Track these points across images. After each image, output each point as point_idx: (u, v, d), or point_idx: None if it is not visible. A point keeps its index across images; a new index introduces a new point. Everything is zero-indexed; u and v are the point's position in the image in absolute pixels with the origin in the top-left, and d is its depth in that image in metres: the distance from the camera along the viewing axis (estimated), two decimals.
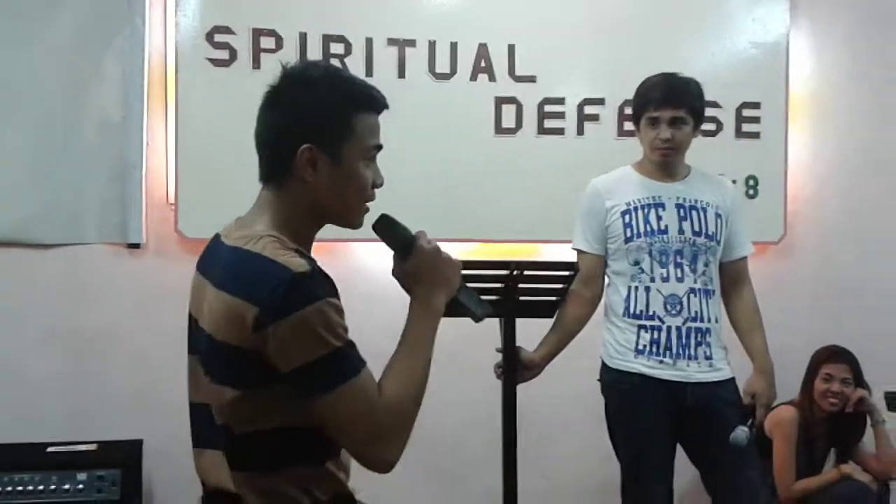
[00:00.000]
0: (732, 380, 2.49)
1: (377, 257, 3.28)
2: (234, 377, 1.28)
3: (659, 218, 2.45)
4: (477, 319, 1.49)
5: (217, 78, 3.16)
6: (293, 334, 1.23)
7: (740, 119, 3.49)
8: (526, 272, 2.28)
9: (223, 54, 3.17)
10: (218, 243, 1.39)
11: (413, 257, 1.42)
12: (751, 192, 3.50)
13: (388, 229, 1.44)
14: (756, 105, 3.50)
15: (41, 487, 2.66)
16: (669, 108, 2.43)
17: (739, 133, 3.49)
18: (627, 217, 2.47)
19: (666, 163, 2.48)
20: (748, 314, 2.55)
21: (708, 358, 2.44)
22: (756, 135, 3.51)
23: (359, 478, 3.61)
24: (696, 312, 2.44)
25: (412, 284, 1.41)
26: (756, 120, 3.51)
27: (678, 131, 2.44)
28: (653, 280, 2.44)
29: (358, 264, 3.30)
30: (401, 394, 1.33)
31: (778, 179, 3.53)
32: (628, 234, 2.46)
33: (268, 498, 1.32)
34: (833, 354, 3.28)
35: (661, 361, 2.42)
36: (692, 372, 2.43)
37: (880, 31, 3.69)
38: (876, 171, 3.69)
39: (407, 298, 1.45)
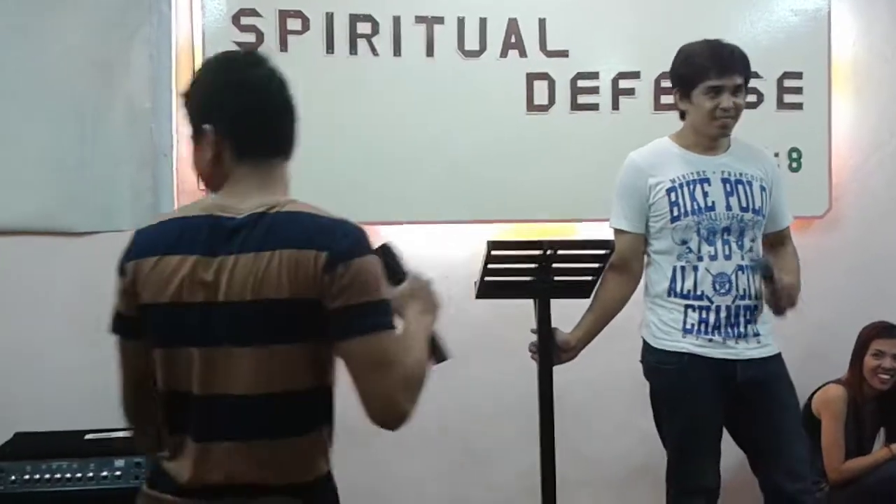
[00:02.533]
0: (780, 355, 2.42)
1: (406, 241, 3.25)
2: (286, 332, 1.34)
3: (705, 194, 2.37)
4: (438, 360, 1.55)
5: None
6: (358, 276, 1.33)
7: (782, 90, 3.38)
8: (560, 252, 2.22)
9: (250, 37, 3.15)
10: (220, 220, 1.37)
11: (408, 282, 1.53)
12: (794, 164, 3.39)
13: (387, 257, 1.52)
14: (798, 75, 3.39)
15: (79, 475, 2.66)
16: (732, 75, 2.34)
17: (781, 104, 3.39)
18: (673, 195, 2.38)
19: (724, 134, 2.40)
20: (789, 259, 2.51)
21: (756, 335, 2.38)
22: (798, 106, 3.41)
23: (391, 464, 3.62)
24: (744, 290, 2.37)
25: (405, 305, 1.49)
26: (798, 90, 3.40)
27: (738, 100, 2.37)
28: (700, 259, 2.36)
29: None
30: (420, 357, 1.42)
31: (822, 152, 3.42)
32: (675, 213, 2.37)
33: (297, 463, 1.37)
34: (884, 330, 3.19)
35: (710, 340, 2.36)
36: (742, 349, 2.36)
37: None
38: None
39: None
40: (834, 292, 3.48)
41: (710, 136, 2.41)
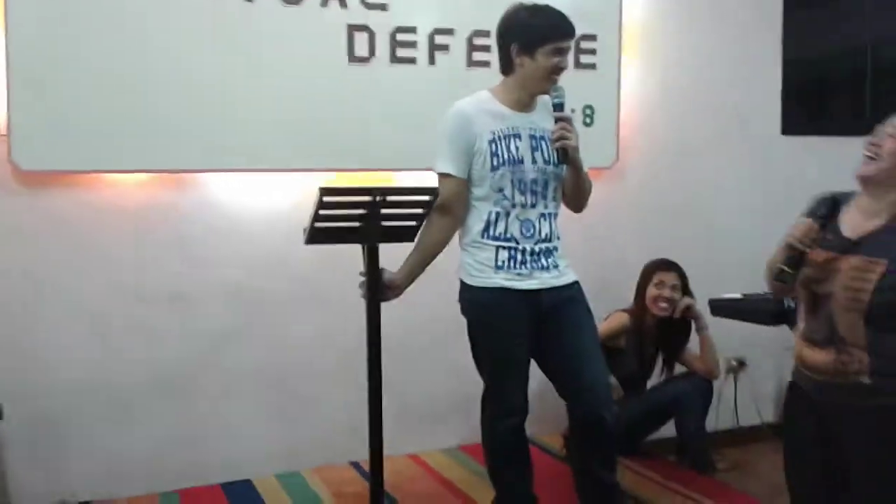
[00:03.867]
0: (578, 283, 2.72)
1: (229, 189, 3.30)
2: None
3: (517, 148, 2.60)
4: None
5: None
6: None
7: (578, 51, 3.67)
8: (387, 198, 2.36)
9: None
10: None
11: None
12: (587, 120, 3.73)
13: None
14: (592, 37, 3.71)
15: None
16: (571, 38, 2.59)
17: (578, 64, 3.69)
18: (494, 146, 2.59)
19: (560, 87, 2.61)
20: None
21: (556, 266, 2.66)
22: (592, 66, 3.73)
23: (212, 413, 3.65)
24: (546, 234, 2.65)
25: None
26: (592, 52, 3.72)
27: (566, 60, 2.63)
28: (514, 206, 2.60)
29: (209, 196, 3.30)
30: None
31: (612, 109, 3.78)
32: (495, 163, 2.58)
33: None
34: (663, 264, 3.61)
35: (518, 274, 2.61)
36: (546, 279, 2.63)
37: None
38: (698, 104, 4.02)
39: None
40: (620, 233, 3.90)
41: (540, 91, 2.62)
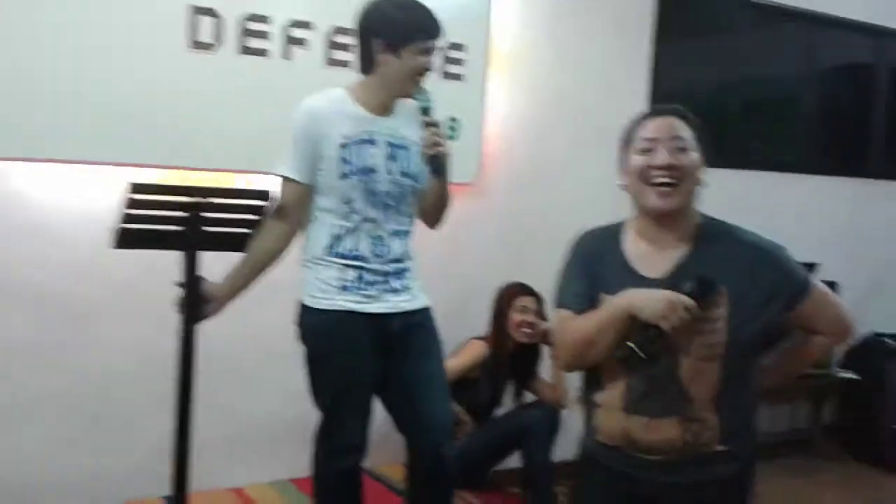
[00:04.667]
0: (429, 308, 2.49)
1: (33, 180, 2.89)
2: None
3: (371, 156, 2.34)
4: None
5: None
6: None
7: (445, 60, 3.49)
8: (212, 200, 2.07)
9: None
10: None
11: None
12: (452, 133, 3.54)
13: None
14: (460, 47, 3.54)
15: None
16: (438, 38, 2.36)
17: (444, 74, 3.50)
18: (344, 151, 2.32)
19: (428, 90, 2.38)
20: None
21: (408, 289, 2.42)
22: (459, 77, 3.56)
23: (7, 436, 3.15)
24: (398, 254, 2.40)
25: None
26: (460, 62, 3.55)
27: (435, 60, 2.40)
28: (364, 221, 2.34)
29: (8, 187, 2.88)
30: None
31: (476, 123, 3.62)
32: (344, 171, 2.32)
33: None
34: (522, 288, 3.46)
35: (366, 296, 2.35)
36: (395, 302, 2.39)
37: None
38: (563, 123, 3.93)
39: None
40: (483, 253, 3.74)
41: (404, 94, 2.37)
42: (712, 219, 1.85)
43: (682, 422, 1.73)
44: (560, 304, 1.87)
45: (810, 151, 4.81)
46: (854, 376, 4.41)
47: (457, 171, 3.26)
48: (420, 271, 2.49)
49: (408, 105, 2.42)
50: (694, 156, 1.78)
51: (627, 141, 1.85)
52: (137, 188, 1.98)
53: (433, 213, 2.52)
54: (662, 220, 1.78)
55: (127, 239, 2.08)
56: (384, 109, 2.39)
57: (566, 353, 1.82)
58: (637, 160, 1.79)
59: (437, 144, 2.33)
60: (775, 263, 1.78)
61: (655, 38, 4.13)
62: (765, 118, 4.69)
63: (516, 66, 3.77)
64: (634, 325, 1.70)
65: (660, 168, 1.74)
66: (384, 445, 3.00)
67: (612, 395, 1.78)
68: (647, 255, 1.78)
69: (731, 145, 4.48)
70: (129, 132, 2.94)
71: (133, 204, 1.99)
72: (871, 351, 4.44)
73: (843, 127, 4.99)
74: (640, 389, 1.74)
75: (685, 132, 1.78)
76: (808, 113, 4.77)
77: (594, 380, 1.83)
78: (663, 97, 4.17)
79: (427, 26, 2.33)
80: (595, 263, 1.83)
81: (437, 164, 2.36)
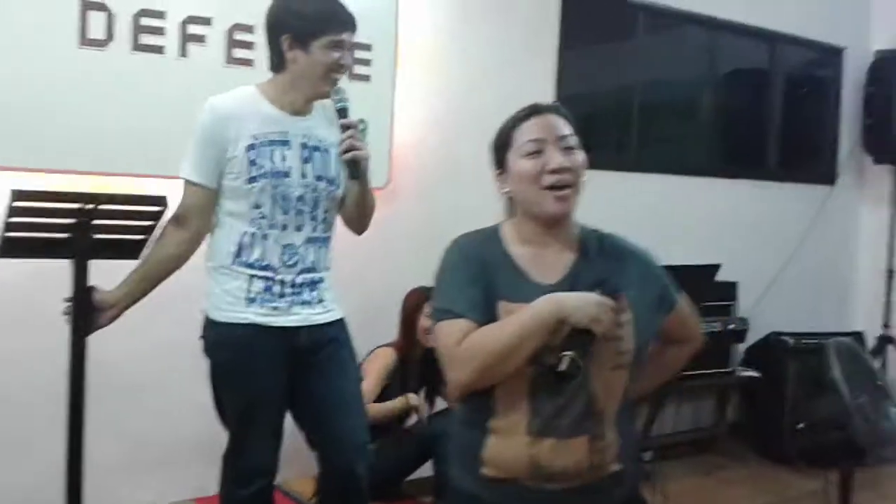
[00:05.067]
0: (343, 320, 2.39)
1: None
2: None
3: (283, 158, 2.22)
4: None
5: None
6: None
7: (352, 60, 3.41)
8: (102, 206, 1.94)
9: None
10: None
11: None
12: (361, 135, 3.46)
13: None
14: (367, 47, 3.46)
15: None
16: (353, 32, 2.24)
17: (351, 75, 3.41)
18: (253, 153, 2.19)
19: (328, 94, 2.25)
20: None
21: (321, 301, 2.31)
22: (366, 78, 3.47)
23: None
24: (311, 263, 2.29)
25: None
26: (367, 62, 3.47)
27: (351, 58, 2.27)
28: (273, 227, 2.22)
29: None
30: None
31: (385, 125, 3.54)
32: (252, 174, 2.19)
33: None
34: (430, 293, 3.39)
35: (275, 308, 2.23)
36: (306, 315, 2.28)
37: None
38: (471, 127, 3.88)
39: None
40: (395, 259, 3.66)
41: (318, 93, 2.25)
42: (584, 224, 1.76)
43: (590, 441, 1.58)
44: (452, 314, 1.60)
45: (709, 154, 4.94)
46: (755, 374, 4.53)
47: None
48: (335, 279, 2.40)
49: (326, 105, 2.31)
50: (581, 155, 1.68)
51: (505, 144, 1.69)
52: (20, 195, 1.83)
53: (356, 218, 2.41)
54: (551, 226, 1.67)
55: (11, 248, 1.94)
56: (299, 109, 2.27)
57: (470, 370, 1.55)
58: (526, 164, 1.64)
59: (353, 148, 2.22)
60: (657, 271, 1.74)
61: (561, 43, 4.15)
62: (666, 122, 4.79)
63: (425, 67, 3.72)
64: (560, 333, 1.54)
65: (555, 171, 1.62)
66: (295, 458, 2.90)
67: (513, 418, 1.58)
68: (536, 261, 1.66)
69: (633, 149, 4.55)
70: (13, 134, 2.76)
71: (16, 212, 1.84)
72: (771, 349, 4.56)
73: (740, 130, 5.14)
74: (548, 409, 1.57)
75: (567, 130, 1.67)
76: (707, 117, 4.90)
77: (484, 404, 1.60)
78: (569, 100, 4.20)
79: (337, 18, 2.22)
80: (485, 270, 1.64)
81: (355, 167, 2.25)
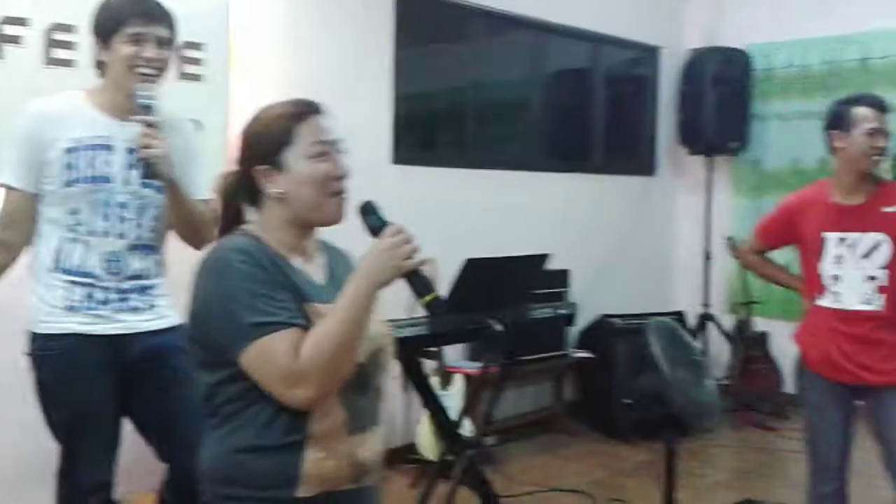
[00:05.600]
0: (181, 326, 2.32)
1: None
2: None
3: (106, 163, 2.15)
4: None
5: None
6: None
7: (183, 59, 3.33)
8: None
9: None
10: None
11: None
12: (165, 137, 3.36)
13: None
14: (198, 46, 3.39)
15: None
16: (158, 25, 2.15)
17: (181, 74, 3.34)
18: (72, 157, 2.12)
19: (150, 86, 2.16)
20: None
21: (152, 307, 2.26)
22: (198, 77, 3.41)
23: None
24: (137, 270, 2.23)
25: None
26: (198, 62, 3.40)
27: (164, 53, 2.17)
28: (91, 234, 2.16)
29: None
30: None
31: (220, 126, 3.48)
32: (69, 178, 2.12)
33: None
34: None
35: (98, 316, 2.17)
36: (135, 322, 2.22)
37: None
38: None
39: None
40: None
41: (125, 90, 2.15)
42: None
43: (378, 428, 1.58)
44: (274, 326, 1.43)
45: (540, 150, 5.17)
46: (588, 355, 4.80)
47: (201, 181, 3.16)
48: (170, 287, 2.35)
49: (164, 111, 2.23)
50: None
51: (282, 141, 1.53)
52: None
53: (185, 230, 2.27)
54: (309, 231, 1.60)
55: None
56: (124, 112, 2.19)
57: (324, 375, 1.43)
58: (316, 167, 1.53)
59: (146, 146, 2.10)
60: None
61: (396, 43, 4.22)
62: (499, 120, 4.97)
63: (260, 68, 3.68)
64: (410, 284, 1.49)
65: (340, 178, 1.56)
66: (134, 472, 2.82)
67: (332, 419, 1.48)
68: (305, 262, 1.59)
69: (467, 146, 4.70)
70: None
71: None
72: (602, 331, 4.85)
73: (567, 127, 5.42)
74: (357, 401, 1.52)
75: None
76: (537, 115, 5.12)
77: (296, 421, 1.47)
78: (405, 100, 4.28)
79: (136, 12, 2.15)
80: (283, 273, 1.51)
81: (148, 168, 2.12)
